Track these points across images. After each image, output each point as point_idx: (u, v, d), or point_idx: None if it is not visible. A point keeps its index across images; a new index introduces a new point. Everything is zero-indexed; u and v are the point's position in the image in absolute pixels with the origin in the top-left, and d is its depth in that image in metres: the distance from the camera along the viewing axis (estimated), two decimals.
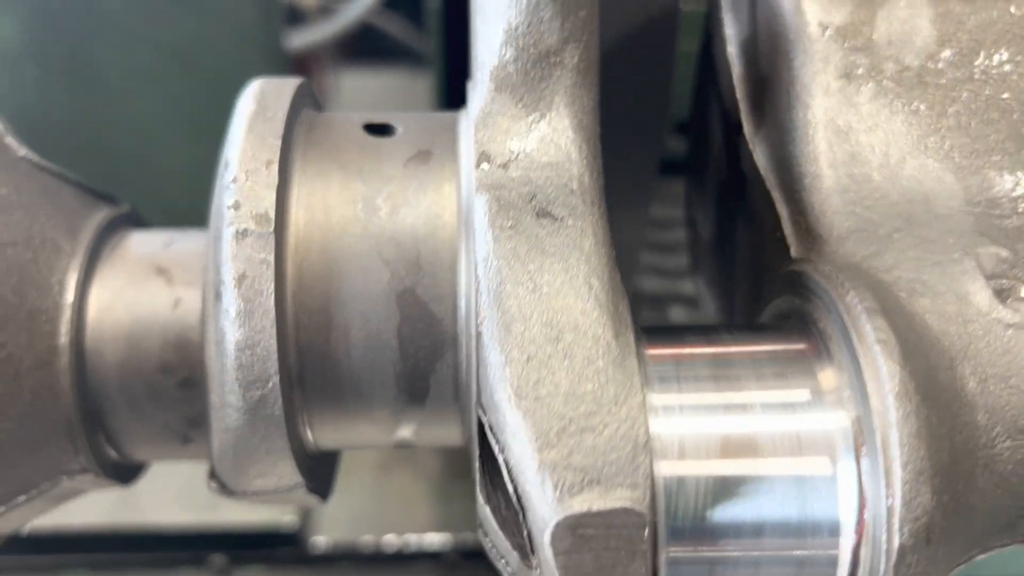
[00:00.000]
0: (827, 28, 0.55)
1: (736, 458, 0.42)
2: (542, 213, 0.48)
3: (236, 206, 0.48)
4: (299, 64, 1.93)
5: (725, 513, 0.42)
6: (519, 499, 0.41)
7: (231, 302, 0.47)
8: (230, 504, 1.47)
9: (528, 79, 0.50)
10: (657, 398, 0.44)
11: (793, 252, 0.52)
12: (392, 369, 0.51)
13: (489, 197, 0.48)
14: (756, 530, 0.42)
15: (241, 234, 0.48)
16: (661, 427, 0.43)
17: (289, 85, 0.55)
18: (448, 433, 0.56)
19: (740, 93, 0.61)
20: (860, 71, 0.54)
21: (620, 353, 0.43)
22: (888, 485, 0.40)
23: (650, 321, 1.35)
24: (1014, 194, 0.51)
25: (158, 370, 0.54)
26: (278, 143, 0.51)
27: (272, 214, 0.48)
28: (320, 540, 1.41)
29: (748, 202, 0.63)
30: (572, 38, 0.50)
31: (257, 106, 0.52)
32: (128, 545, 1.40)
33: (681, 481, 0.42)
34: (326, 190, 0.52)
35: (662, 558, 0.42)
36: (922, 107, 0.53)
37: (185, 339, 0.54)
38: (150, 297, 0.55)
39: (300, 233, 0.50)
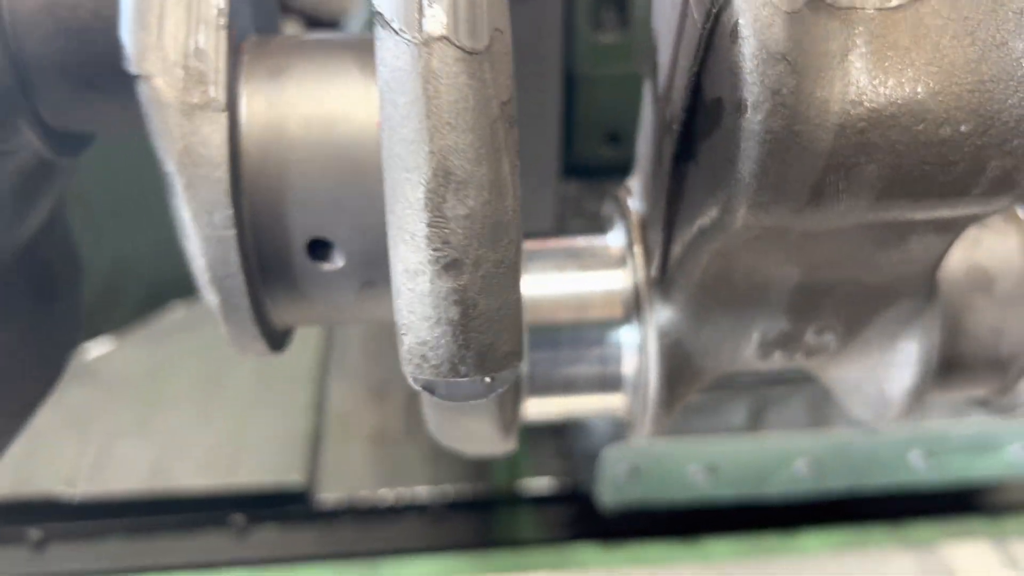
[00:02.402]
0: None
1: (562, 313, 0.67)
2: None
3: None
4: None
5: (557, 337, 0.67)
6: None
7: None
8: (245, 467, 1.57)
9: None
10: None
11: None
12: None
13: None
14: (576, 349, 0.67)
15: None
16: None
17: None
18: None
19: None
20: None
21: None
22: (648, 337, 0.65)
23: None
24: None
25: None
26: None
27: None
28: (327, 497, 1.56)
29: None
30: None
31: None
32: (160, 510, 1.54)
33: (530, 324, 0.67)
34: None
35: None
36: None
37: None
38: None
39: None
